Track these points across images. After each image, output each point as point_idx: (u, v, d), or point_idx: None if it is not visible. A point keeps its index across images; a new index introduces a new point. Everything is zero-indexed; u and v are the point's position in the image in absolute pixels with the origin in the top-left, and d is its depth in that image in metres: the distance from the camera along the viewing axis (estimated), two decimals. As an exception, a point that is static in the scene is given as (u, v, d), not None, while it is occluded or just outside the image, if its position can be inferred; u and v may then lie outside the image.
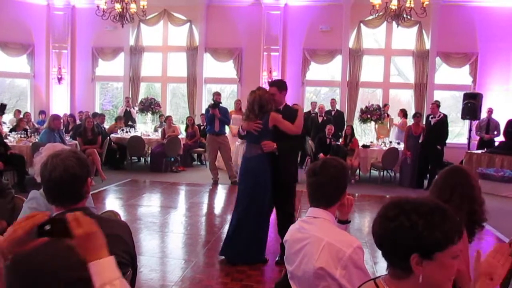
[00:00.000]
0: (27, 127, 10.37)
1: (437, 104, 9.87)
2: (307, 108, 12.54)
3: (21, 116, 11.48)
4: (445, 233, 1.32)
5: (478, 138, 11.28)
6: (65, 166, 1.78)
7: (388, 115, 11.79)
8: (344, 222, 2.36)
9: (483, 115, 11.10)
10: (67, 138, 9.51)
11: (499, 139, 10.80)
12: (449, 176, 2.49)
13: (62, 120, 9.64)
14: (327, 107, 11.78)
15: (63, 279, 1.70)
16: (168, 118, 11.36)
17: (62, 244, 1.45)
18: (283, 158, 4.76)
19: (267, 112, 4.67)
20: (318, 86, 14.25)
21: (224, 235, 6.00)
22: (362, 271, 1.98)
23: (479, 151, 10.11)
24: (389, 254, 1.40)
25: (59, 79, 13.77)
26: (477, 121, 11.08)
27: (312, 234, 2.09)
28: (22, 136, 9.48)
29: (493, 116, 11.20)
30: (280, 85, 4.91)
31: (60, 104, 13.75)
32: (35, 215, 1.42)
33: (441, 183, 2.49)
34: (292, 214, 4.91)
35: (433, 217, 1.33)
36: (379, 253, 5.63)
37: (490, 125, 11.06)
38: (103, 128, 10.97)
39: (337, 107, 12.58)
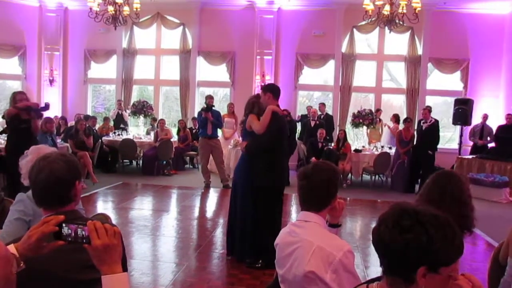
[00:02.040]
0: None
1: (428, 110, 9.95)
2: (301, 112, 12.64)
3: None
4: (456, 249, 1.31)
5: (472, 143, 11.33)
6: (51, 169, 1.77)
7: (380, 120, 11.84)
8: (335, 226, 2.36)
9: (476, 121, 11.16)
10: (58, 140, 9.45)
11: (492, 145, 10.88)
12: (440, 179, 2.50)
13: (54, 123, 9.57)
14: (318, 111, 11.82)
15: (66, 281, 1.69)
16: (161, 122, 11.35)
17: (66, 246, 1.45)
18: (253, 158, 4.80)
19: (247, 115, 4.93)
20: (311, 91, 14.28)
21: (215, 239, 6.01)
22: (352, 275, 1.98)
23: (470, 156, 10.19)
24: (394, 264, 1.33)
25: (51, 81, 13.68)
26: (471, 127, 11.14)
27: (303, 237, 2.09)
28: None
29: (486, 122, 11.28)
30: (264, 88, 4.99)
31: (51, 107, 13.58)
32: (50, 220, 1.42)
33: (431, 186, 2.50)
34: (263, 222, 4.78)
35: (448, 231, 1.30)
36: (370, 257, 5.66)
37: (484, 131, 11.12)
38: (95, 130, 10.91)
39: (330, 111, 12.63)
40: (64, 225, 1.41)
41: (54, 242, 1.42)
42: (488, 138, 11.03)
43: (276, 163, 4.78)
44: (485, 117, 11.15)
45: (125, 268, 1.93)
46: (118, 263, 1.39)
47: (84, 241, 1.38)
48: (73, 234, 1.40)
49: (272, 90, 4.89)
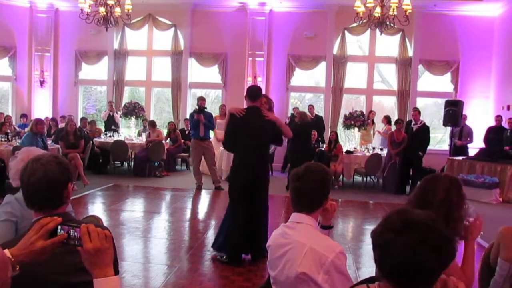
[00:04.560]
0: (8, 131, 10.20)
1: (419, 111, 9.99)
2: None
3: (3, 120, 11.29)
4: None
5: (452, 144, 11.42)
6: (45, 170, 1.76)
7: (373, 122, 11.88)
8: (326, 227, 2.37)
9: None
10: (49, 142, 9.38)
11: (472, 145, 10.96)
12: (428, 183, 2.48)
13: (45, 125, 9.50)
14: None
15: (58, 283, 1.68)
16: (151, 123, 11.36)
17: (59, 248, 1.44)
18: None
19: None
20: (303, 92, 14.33)
21: (207, 240, 5.99)
22: (344, 276, 1.99)
23: (460, 158, 10.26)
24: (419, 278, 1.32)
25: (42, 82, 13.59)
26: (451, 128, 11.21)
27: (295, 239, 2.10)
28: (3, 139, 9.34)
29: (473, 123, 11.36)
30: None
31: (42, 108, 13.57)
32: (47, 223, 1.42)
33: (420, 190, 2.49)
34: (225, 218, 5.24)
35: None
36: (362, 258, 5.66)
37: (463, 132, 11.22)
38: (85, 132, 10.85)
39: (322, 113, 12.67)
40: (59, 227, 1.41)
41: (52, 247, 1.42)
42: (468, 139, 11.13)
43: (239, 160, 5.10)
44: (465, 118, 11.25)
45: (116, 271, 1.92)
46: (110, 266, 1.39)
47: (77, 243, 1.38)
48: (66, 235, 1.41)
49: (247, 94, 5.23)
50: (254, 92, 5.17)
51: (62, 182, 1.80)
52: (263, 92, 12.14)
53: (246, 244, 5.06)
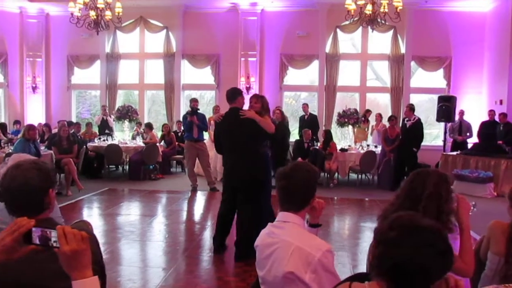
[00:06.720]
0: (0, 138, 10.16)
1: (410, 107, 9.98)
2: (288, 112, 12.62)
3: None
4: None
5: (451, 140, 11.47)
6: (24, 177, 1.75)
7: (368, 121, 11.85)
8: (315, 226, 2.36)
9: (457, 117, 11.30)
10: (42, 148, 9.34)
11: (472, 140, 11.01)
12: (417, 178, 2.49)
13: (37, 131, 9.44)
14: (301, 112, 11.83)
15: None
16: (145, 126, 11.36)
17: (40, 254, 1.43)
18: None
19: None
20: (297, 91, 14.31)
21: (203, 242, 5.99)
22: (332, 275, 1.98)
23: (454, 153, 10.29)
24: (417, 281, 1.36)
25: (34, 88, 13.55)
26: (450, 124, 11.26)
27: (282, 238, 2.09)
28: (-4, 146, 9.31)
29: (466, 118, 11.42)
30: None
31: (35, 114, 13.52)
32: (22, 222, 1.40)
33: (408, 185, 2.50)
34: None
35: None
36: (357, 256, 5.65)
37: (462, 127, 11.26)
38: (79, 137, 10.81)
39: (316, 111, 12.66)
40: (34, 229, 1.40)
41: (26, 247, 1.41)
42: (468, 134, 11.18)
43: (224, 163, 5.36)
44: (462, 113, 11.31)
45: (103, 274, 1.91)
46: (88, 268, 1.39)
47: (54, 245, 1.37)
48: (42, 238, 1.39)
49: (226, 96, 5.39)
50: (230, 94, 5.31)
51: (42, 189, 1.78)
52: (258, 92, 12.21)
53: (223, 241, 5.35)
